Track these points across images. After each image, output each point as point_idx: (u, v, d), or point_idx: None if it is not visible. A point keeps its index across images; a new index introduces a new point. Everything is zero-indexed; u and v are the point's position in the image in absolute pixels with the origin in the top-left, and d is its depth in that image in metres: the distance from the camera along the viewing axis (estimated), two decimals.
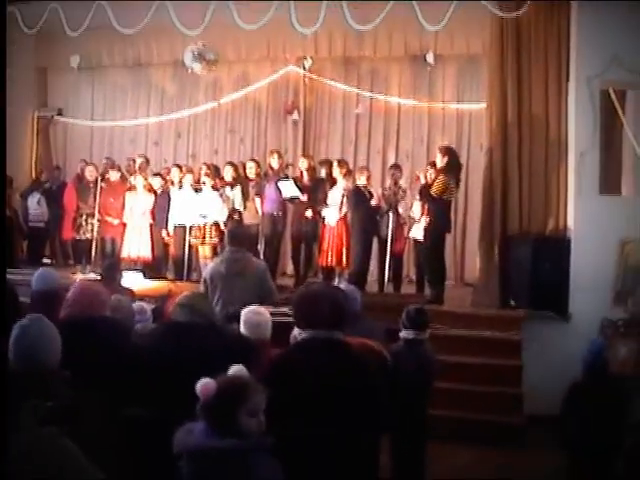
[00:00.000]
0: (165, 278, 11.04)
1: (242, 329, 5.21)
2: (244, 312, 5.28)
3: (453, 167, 9.90)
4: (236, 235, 7.71)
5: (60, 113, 15.84)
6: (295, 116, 14.28)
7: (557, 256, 9.35)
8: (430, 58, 12.80)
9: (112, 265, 8.19)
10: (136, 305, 6.01)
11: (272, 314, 5.46)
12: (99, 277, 8.17)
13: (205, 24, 10.09)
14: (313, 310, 3.74)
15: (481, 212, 10.15)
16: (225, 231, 11.22)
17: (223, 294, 7.13)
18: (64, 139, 15.98)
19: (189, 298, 4.49)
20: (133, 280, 9.59)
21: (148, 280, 10.72)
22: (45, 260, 13.69)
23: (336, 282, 10.69)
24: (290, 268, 12.60)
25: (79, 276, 9.65)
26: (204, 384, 3.17)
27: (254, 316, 5.22)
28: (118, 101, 15.70)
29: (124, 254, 11.87)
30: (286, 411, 3.41)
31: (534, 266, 9.30)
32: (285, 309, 6.66)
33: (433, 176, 9.92)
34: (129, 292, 7.74)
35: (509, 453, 7.52)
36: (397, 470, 6.07)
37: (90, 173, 12.37)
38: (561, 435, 6.18)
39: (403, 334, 6.11)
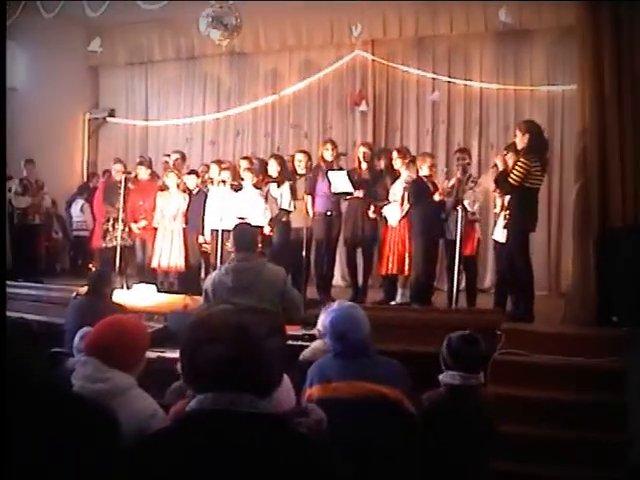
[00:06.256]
0: (184, 292, 9.25)
1: None
2: None
3: (536, 146, 7.93)
4: (243, 238, 5.99)
5: (112, 114, 15.03)
6: (363, 107, 12.94)
7: None
8: (502, 16, 11.04)
9: (101, 276, 6.62)
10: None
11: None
12: (86, 291, 6.64)
13: None
14: (201, 357, 1.97)
15: (574, 203, 8.19)
16: (273, 237, 9.70)
17: None
18: (116, 141, 14.94)
19: None
20: (144, 293, 8.05)
21: (162, 294, 9.07)
22: None
23: (399, 294, 8.97)
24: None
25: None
26: None
27: None
28: (172, 98, 14.72)
29: (154, 264, 10.28)
30: None
31: None
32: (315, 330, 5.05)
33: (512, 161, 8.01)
34: (120, 309, 6.20)
35: None
36: None
37: (116, 172, 10.85)
38: None
39: (444, 378, 4.18)
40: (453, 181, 8.64)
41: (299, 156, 9.95)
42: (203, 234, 10.12)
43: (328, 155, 9.64)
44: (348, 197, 9.36)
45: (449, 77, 12.36)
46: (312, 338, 5.81)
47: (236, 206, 9.38)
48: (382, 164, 9.65)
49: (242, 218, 8.66)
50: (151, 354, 6.12)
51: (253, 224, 7.53)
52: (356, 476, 2.31)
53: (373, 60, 12.78)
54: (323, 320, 3.98)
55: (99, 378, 3.22)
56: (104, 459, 2.13)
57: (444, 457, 3.83)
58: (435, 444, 3.77)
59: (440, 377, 4.18)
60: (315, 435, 2.69)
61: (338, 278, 11.20)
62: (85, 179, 14.20)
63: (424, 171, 8.79)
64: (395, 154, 9.33)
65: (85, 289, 6.86)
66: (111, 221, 10.64)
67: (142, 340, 3.57)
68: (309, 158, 9.95)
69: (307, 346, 5.10)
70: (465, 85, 12.28)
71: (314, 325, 5.52)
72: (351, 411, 3.43)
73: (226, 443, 1.88)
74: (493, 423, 4.16)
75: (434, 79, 12.47)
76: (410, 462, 3.58)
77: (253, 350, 1.97)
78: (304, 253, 9.13)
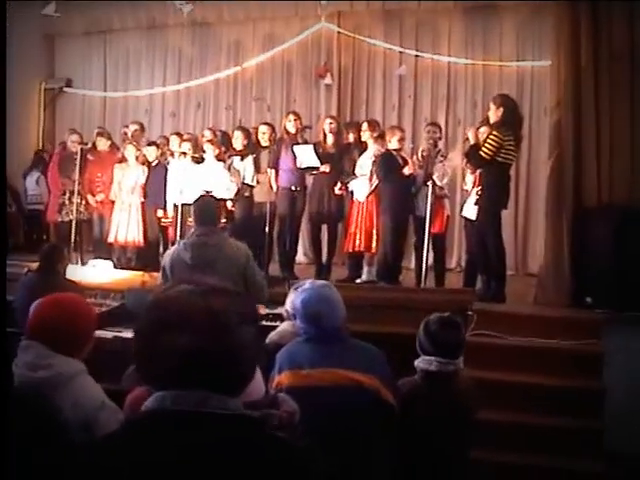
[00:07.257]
0: (142, 268, 8.89)
1: None
2: None
3: (510, 120, 7.67)
4: (206, 211, 5.66)
5: (69, 84, 14.48)
6: (328, 80, 12.51)
7: None
8: None
9: (54, 252, 6.27)
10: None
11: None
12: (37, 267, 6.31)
13: None
14: (162, 348, 1.64)
15: (547, 180, 7.99)
16: (235, 212, 9.38)
17: None
18: (73, 112, 14.43)
19: None
20: (100, 270, 7.72)
21: (119, 270, 8.73)
22: None
23: (364, 272, 8.71)
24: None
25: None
26: None
27: None
28: (131, 68, 14.21)
29: (110, 238, 9.93)
30: None
31: (618, 251, 7.11)
32: (281, 309, 4.76)
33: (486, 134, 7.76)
34: (74, 286, 5.89)
35: None
36: None
37: (72, 143, 10.44)
38: None
39: (420, 363, 3.87)
40: (423, 151, 8.38)
41: (263, 128, 9.62)
42: (163, 208, 9.77)
43: (291, 127, 9.33)
44: (314, 172, 9.05)
45: (417, 51, 12.03)
46: (277, 318, 5.53)
47: (199, 179, 9.03)
48: (350, 137, 9.36)
49: (209, 191, 8.33)
50: (107, 334, 5.83)
51: (217, 197, 7.24)
52: (332, 469, 2.02)
53: (339, 32, 12.39)
54: (293, 300, 3.65)
55: (41, 365, 2.91)
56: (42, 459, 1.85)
57: (422, 447, 3.57)
58: (412, 434, 3.50)
59: (415, 363, 3.89)
60: (287, 428, 2.41)
61: (300, 255, 10.98)
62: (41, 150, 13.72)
63: (393, 144, 8.51)
64: (365, 126, 9.01)
65: (37, 265, 6.52)
66: (67, 194, 10.26)
67: (88, 319, 3.27)
68: (273, 130, 9.63)
69: (271, 327, 4.79)
70: (433, 60, 11.97)
71: (278, 304, 5.23)
72: (325, 400, 3.14)
73: (191, 449, 1.58)
74: (472, 411, 3.89)
75: (401, 53, 12.13)
76: (388, 453, 3.31)
77: (227, 341, 1.66)
78: (267, 229, 8.84)
